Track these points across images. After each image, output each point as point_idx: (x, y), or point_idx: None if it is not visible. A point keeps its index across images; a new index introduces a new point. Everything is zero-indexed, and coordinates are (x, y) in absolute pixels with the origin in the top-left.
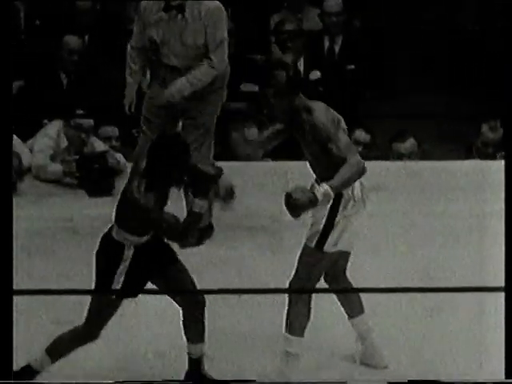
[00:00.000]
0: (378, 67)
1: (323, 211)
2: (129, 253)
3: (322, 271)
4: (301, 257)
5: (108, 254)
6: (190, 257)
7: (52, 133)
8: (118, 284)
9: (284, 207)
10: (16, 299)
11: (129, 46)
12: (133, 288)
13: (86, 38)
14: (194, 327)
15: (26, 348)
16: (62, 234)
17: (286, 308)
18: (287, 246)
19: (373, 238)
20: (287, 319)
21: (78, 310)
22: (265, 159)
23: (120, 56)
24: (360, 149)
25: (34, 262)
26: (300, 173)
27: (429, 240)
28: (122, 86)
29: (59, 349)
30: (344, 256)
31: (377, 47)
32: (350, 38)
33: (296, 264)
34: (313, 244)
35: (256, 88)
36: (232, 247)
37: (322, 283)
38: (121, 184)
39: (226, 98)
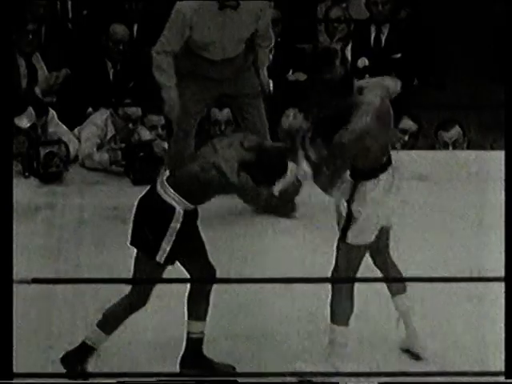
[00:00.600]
0: (425, 56)
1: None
2: (179, 217)
3: (355, 261)
4: (336, 248)
5: (155, 216)
6: None
7: (99, 122)
8: (165, 249)
9: None
10: (58, 288)
11: (159, 52)
12: (177, 254)
13: (135, 27)
14: (199, 303)
15: (69, 336)
16: (108, 223)
17: (330, 298)
18: None
19: (414, 228)
20: (331, 309)
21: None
22: None
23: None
24: (406, 138)
25: (82, 252)
26: None
27: (470, 231)
28: None
29: (110, 321)
30: (385, 231)
31: (424, 36)
32: (397, 26)
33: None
34: (339, 236)
35: (304, 77)
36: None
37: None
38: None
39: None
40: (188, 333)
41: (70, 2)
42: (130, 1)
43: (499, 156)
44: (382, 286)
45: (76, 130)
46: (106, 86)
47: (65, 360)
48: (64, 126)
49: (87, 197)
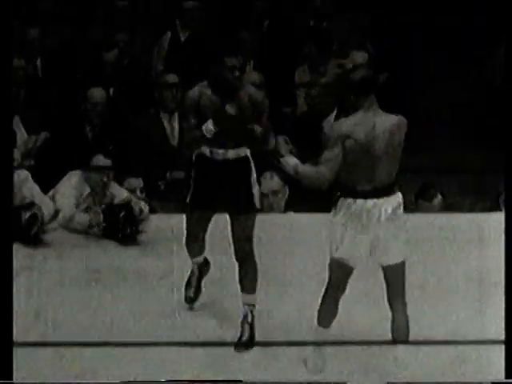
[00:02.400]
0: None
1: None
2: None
3: (337, 276)
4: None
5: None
6: None
7: (74, 181)
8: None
9: None
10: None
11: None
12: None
13: (111, 90)
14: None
15: None
16: (89, 286)
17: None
18: None
19: None
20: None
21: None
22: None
23: (145, 107)
24: None
25: (64, 314)
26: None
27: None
28: (147, 136)
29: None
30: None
31: (403, 100)
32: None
33: None
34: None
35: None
36: None
37: None
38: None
39: None
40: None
41: (46, 66)
42: (107, 65)
43: (478, 218)
44: None
45: (51, 192)
46: (85, 149)
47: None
48: (37, 188)
49: (69, 260)
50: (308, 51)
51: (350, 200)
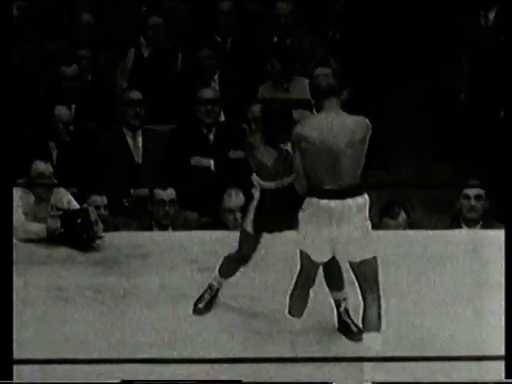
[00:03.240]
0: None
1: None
2: (256, 194)
3: (307, 267)
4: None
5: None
6: None
7: (19, 194)
8: (248, 220)
9: None
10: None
11: None
12: (263, 226)
13: (73, 106)
14: (332, 276)
15: None
16: (54, 304)
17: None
18: None
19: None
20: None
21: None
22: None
23: (109, 124)
24: None
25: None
26: None
27: (420, 309)
28: (111, 153)
29: (225, 269)
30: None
31: (368, 115)
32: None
33: None
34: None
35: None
36: None
37: None
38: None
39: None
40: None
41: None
42: (68, 80)
43: (443, 235)
44: None
45: None
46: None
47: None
48: None
49: (35, 276)
50: (271, 68)
51: (314, 199)
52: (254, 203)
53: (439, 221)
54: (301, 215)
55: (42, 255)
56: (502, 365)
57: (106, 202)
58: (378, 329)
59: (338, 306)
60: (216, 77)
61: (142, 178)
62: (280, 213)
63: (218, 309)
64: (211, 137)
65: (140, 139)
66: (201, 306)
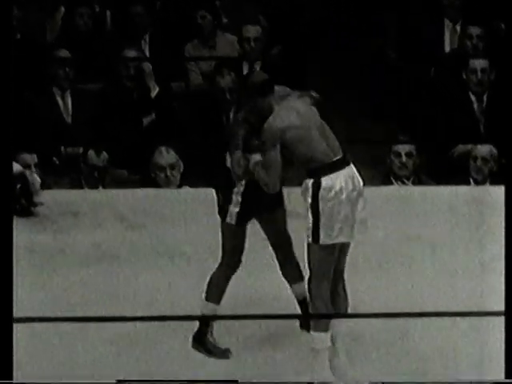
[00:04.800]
0: None
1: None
2: (240, 187)
3: (328, 264)
4: (307, 255)
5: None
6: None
7: None
8: (232, 212)
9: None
10: None
11: None
12: (247, 217)
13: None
14: (290, 267)
15: None
16: None
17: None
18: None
19: None
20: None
21: None
22: (183, 186)
23: (38, 83)
24: None
25: None
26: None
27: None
28: (42, 112)
29: (214, 289)
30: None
31: (296, 72)
32: (269, 63)
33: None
34: (310, 239)
35: None
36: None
37: None
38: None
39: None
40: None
41: None
42: None
43: (373, 192)
44: None
45: None
46: None
47: (195, 340)
48: None
49: None
50: (201, 19)
51: (328, 177)
52: (239, 196)
53: (371, 178)
54: (322, 202)
55: None
56: (501, 364)
57: (36, 160)
58: (345, 310)
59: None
60: (147, 36)
61: (73, 136)
62: (263, 204)
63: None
64: (135, 95)
65: (70, 99)
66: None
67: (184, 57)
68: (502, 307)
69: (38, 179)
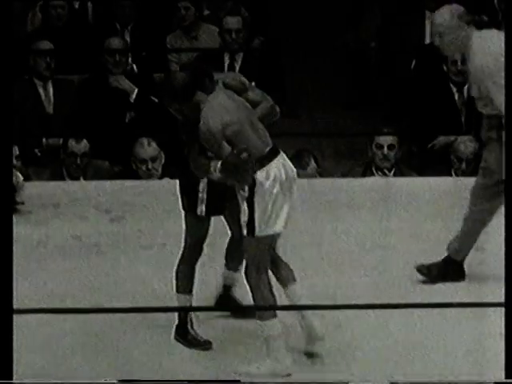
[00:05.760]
0: (279, 85)
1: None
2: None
3: (265, 255)
4: (244, 247)
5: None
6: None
7: None
8: (201, 207)
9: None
10: None
11: None
12: (214, 208)
13: None
14: (237, 256)
15: None
16: None
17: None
18: None
19: None
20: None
21: None
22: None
23: (19, 74)
24: None
25: None
26: None
27: (332, 258)
28: (22, 103)
29: (183, 280)
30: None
31: (277, 64)
32: (251, 55)
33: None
34: (245, 232)
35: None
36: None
37: None
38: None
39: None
40: (223, 277)
41: None
42: None
43: (353, 184)
44: None
45: None
46: None
47: (176, 332)
48: None
49: None
50: (184, 10)
51: (264, 169)
52: (205, 185)
53: (351, 170)
54: (257, 195)
55: None
56: (501, 364)
57: (17, 152)
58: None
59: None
60: (129, 27)
61: (54, 128)
62: (226, 194)
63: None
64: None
65: (51, 89)
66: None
67: (166, 48)
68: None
69: (21, 177)
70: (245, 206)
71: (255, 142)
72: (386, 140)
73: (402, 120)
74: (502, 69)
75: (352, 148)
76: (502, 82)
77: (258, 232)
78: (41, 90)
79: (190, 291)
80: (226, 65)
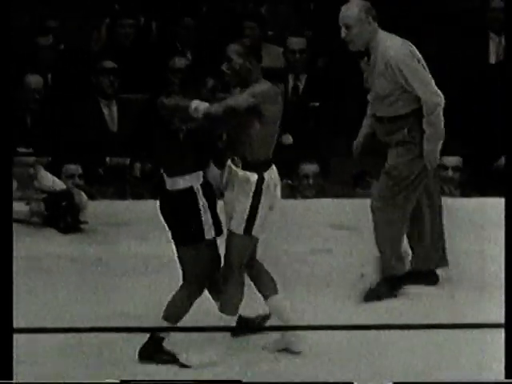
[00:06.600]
0: (342, 105)
1: (247, 199)
2: (199, 193)
3: (249, 253)
4: (229, 244)
5: (183, 207)
6: None
7: None
8: (209, 225)
9: None
10: None
11: None
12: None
13: (49, 76)
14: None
15: None
16: (31, 273)
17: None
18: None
19: None
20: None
21: None
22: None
23: (84, 93)
24: (310, 181)
25: None
26: None
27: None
28: (86, 122)
29: (175, 311)
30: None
31: (341, 84)
32: (314, 75)
33: (224, 252)
34: (241, 230)
35: None
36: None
37: None
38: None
39: None
40: None
41: None
42: (42, 49)
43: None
44: None
45: None
46: (25, 136)
47: (141, 354)
48: None
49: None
50: (244, 36)
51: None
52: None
53: None
54: (263, 196)
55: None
56: (501, 363)
57: (80, 171)
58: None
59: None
60: (190, 46)
61: (117, 146)
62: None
63: None
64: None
65: (115, 108)
66: None
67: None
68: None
69: (85, 197)
70: (246, 205)
71: (271, 146)
72: (450, 161)
73: (466, 141)
74: (417, 63)
75: None
76: (420, 71)
77: (254, 232)
78: (104, 109)
79: (176, 323)
80: (290, 85)
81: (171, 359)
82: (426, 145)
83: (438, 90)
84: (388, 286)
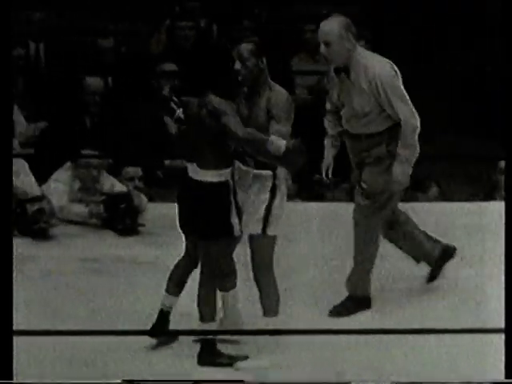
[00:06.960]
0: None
1: (264, 197)
2: (230, 188)
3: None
4: (254, 246)
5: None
6: None
7: (62, 177)
8: (237, 227)
9: None
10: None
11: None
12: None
13: (110, 79)
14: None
15: None
16: (88, 275)
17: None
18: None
19: None
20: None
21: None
22: None
23: (144, 96)
24: None
25: (63, 302)
26: None
27: None
28: (146, 125)
29: (208, 311)
30: None
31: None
32: None
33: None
34: (260, 230)
35: None
36: None
37: None
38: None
39: None
40: None
41: (43, 54)
42: (103, 52)
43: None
44: None
45: (43, 186)
46: (84, 139)
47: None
48: (35, 182)
49: (68, 249)
50: (305, 39)
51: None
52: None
53: (473, 194)
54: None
55: (78, 229)
56: (501, 363)
57: (140, 173)
58: (275, 314)
59: None
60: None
61: (177, 149)
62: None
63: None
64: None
65: None
66: None
67: (290, 70)
68: None
69: (145, 200)
70: (262, 205)
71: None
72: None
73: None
74: (401, 84)
75: (476, 172)
76: (403, 92)
77: (272, 230)
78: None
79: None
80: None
81: (230, 362)
82: (397, 166)
83: (416, 113)
84: (352, 303)
